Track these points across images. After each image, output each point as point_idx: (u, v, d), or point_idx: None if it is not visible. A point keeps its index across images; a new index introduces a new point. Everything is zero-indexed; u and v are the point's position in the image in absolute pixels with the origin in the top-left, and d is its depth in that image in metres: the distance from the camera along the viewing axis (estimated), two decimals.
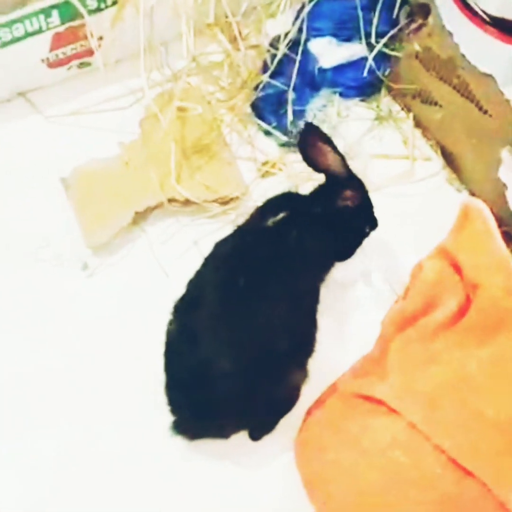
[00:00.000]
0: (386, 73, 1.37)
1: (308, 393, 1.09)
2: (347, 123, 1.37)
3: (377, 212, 1.23)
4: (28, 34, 1.22)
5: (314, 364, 1.09)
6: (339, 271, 1.13)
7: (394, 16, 1.33)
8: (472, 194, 1.31)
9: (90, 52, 1.30)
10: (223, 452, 1.09)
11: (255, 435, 1.08)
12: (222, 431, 1.06)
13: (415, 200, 1.30)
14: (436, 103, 1.31)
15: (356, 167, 1.25)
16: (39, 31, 1.22)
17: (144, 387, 1.08)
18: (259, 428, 1.08)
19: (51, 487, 1.08)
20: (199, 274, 1.06)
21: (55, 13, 1.21)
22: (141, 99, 1.32)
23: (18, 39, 1.21)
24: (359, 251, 1.19)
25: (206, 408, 1.00)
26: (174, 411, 1.03)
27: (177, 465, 1.09)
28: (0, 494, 1.07)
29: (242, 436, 1.08)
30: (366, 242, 1.21)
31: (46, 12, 1.20)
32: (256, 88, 1.33)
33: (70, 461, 1.09)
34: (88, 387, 1.13)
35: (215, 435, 1.06)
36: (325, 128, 1.31)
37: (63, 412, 1.12)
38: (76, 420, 1.12)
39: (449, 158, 1.34)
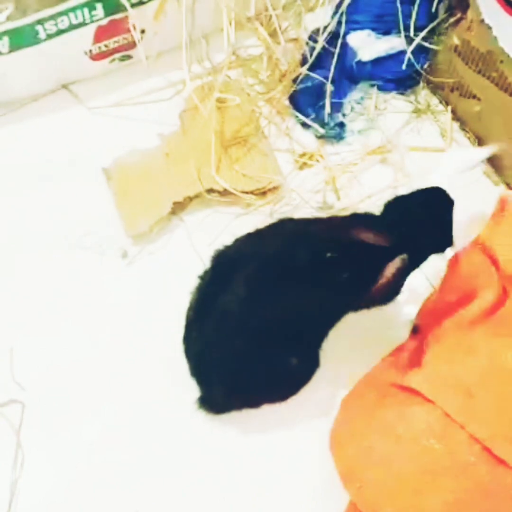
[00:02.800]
0: (425, 66, 1.37)
1: (343, 383, 1.10)
2: (385, 115, 1.38)
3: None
4: (72, 27, 1.23)
5: (350, 355, 1.11)
6: None
7: (433, 9, 1.33)
8: (509, 187, 1.31)
9: (132, 45, 1.31)
10: (255, 438, 1.12)
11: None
12: (248, 405, 1.10)
13: (452, 193, 1.23)
14: (474, 96, 1.30)
15: (394, 159, 1.31)
16: (83, 23, 1.24)
17: (184, 373, 1.09)
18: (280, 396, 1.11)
19: (88, 464, 1.11)
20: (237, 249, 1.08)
21: (99, 6, 1.22)
22: (182, 91, 1.35)
23: (62, 32, 1.23)
24: None
25: (232, 384, 1.04)
26: (201, 387, 1.07)
27: (207, 441, 1.12)
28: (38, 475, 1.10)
29: (276, 422, 1.11)
30: None
31: (90, 5, 1.21)
32: (294, 81, 1.34)
33: (110, 437, 1.12)
34: (127, 371, 1.16)
35: (242, 407, 1.10)
36: (363, 121, 1.36)
37: (101, 393, 1.14)
38: (116, 401, 1.14)
39: None
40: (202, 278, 1.07)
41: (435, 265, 1.13)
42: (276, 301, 1.02)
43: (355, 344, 1.14)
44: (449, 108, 1.37)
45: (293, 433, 1.12)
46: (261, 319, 1.02)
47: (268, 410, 1.11)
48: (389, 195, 1.23)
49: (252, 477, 1.10)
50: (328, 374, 1.13)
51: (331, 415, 1.05)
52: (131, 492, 1.09)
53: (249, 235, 1.09)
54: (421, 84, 1.39)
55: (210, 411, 1.09)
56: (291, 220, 1.13)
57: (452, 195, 1.22)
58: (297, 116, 1.36)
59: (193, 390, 1.08)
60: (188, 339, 1.07)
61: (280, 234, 1.09)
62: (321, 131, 1.34)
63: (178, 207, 1.26)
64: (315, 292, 1.02)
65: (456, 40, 1.29)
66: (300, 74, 1.33)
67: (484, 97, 1.28)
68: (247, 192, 1.26)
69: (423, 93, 1.39)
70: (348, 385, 1.09)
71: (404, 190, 1.24)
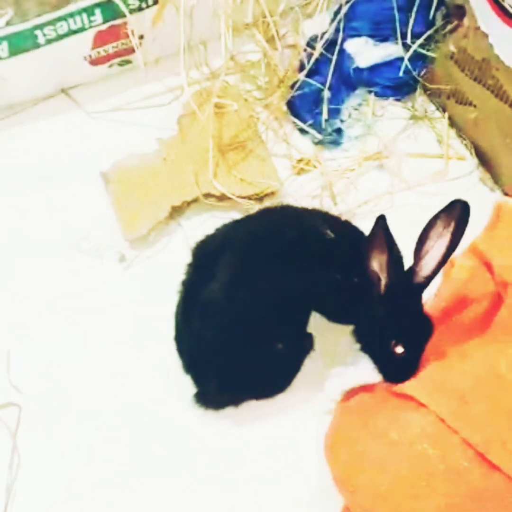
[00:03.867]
0: (422, 73, 1.38)
1: (338, 388, 1.10)
2: (382, 122, 1.39)
3: (411, 210, 1.26)
4: (71, 32, 1.24)
5: (345, 360, 1.12)
6: None
7: (430, 17, 1.34)
8: (505, 194, 1.32)
9: (131, 50, 1.32)
10: (252, 442, 1.12)
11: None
12: (242, 397, 1.11)
13: (448, 199, 1.17)
14: (470, 103, 1.31)
15: (391, 165, 1.31)
16: (82, 29, 1.25)
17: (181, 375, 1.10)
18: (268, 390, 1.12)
19: (84, 467, 1.11)
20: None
21: (98, 11, 1.23)
22: (180, 97, 1.36)
23: (62, 37, 1.24)
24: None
25: (223, 375, 1.05)
26: (195, 382, 1.08)
27: (205, 443, 1.12)
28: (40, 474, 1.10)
29: (271, 427, 1.11)
30: (400, 238, 1.18)
31: (89, 10, 1.22)
32: (292, 87, 1.35)
33: (106, 439, 1.13)
34: (124, 374, 1.16)
35: (237, 401, 1.11)
36: (360, 127, 1.36)
37: (99, 396, 1.15)
38: (113, 404, 1.14)
39: (483, 158, 1.34)
40: (185, 272, 1.09)
41: None
42: (258, 283, 1.02)
43: (351, 349, 1.12)
44: (446, 114, 1.38)
45: (288, 438, 1.12)
46: (244, 303, 1.02)
47: (264, 413, 1.12)
48: (385, 201, 1.28)
49: (247, 482, 1.10)
50: (323, 379, 1.15)
51: (326, 420, 1.05)
52: (128, 494, 1.09)
53: (228, 223, 1.10)
54: (418, 90, 1.40)
55: (207, 407, 1.09)
56: (275, 206, 1.15)
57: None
58: (294, 122, 1.37)
59: (190, 391, 1.09)
60: (178, 335, 1.08)
61: (263, 218, 1.11)
62: (319, 137, 1.35)
63: (176, 212, 1.27)
64: (299, 273, 1.02)
65: (452, 48, 1.30)
66: (298, 80, 1.34)
67: (480, 104, 1.29)
68: (244, 197, 1.26)
69: (420, 100, 1.40)
70: (343, 390, 1.09)
71: (401, 196, 1.29)
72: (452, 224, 0.97)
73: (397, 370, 1.01)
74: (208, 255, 1.08)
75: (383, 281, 0.98)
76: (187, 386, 1.09)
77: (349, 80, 1.37)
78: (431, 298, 1.12)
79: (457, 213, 0.97)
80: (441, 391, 0.97)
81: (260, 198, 1.28)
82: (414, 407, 0.96)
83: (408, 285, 0.99)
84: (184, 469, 1.11)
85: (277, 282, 1.02)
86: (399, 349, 0.99)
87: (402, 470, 0.94)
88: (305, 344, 1.10)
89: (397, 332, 1.00)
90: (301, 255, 1.03)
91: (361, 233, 1.08)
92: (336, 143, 1.36)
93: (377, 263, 0.98)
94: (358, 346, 1.06)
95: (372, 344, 1.04)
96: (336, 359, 1.15)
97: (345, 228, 1.10)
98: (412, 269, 0.99)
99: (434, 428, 0.94)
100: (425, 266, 0.98)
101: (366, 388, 1.07)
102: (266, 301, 1.02)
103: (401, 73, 1.35)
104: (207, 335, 1.04)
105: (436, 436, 0.93)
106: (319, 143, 1.36)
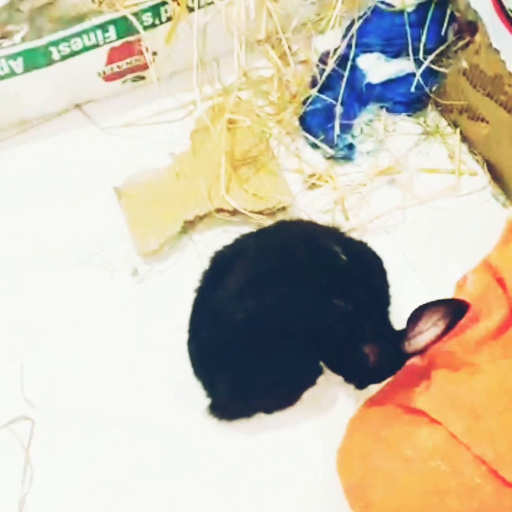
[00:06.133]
0: (433, 89, 1.38)
1: (351, 403, 1.12)
2: (394, 137, 1.39)
3: (423, 225, 1.29)
4: (85, 48, 1.25)
5: None
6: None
7: (442, 33, 1.34)
8: None
9: (145, 67, 1.33)
10: (261, 455, 1.12)
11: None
12: (252, 411, 1.11)
13: (460, 214, 1.30)
14: (482, 119, 1.31)
15: (403, 181, 1.31)
16: (96, 45, 1.26)
17: (194, 391, 1.11)
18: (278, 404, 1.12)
19: (97, 482, 1.11)
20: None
21: (111, 28, 1.24)
22: (193, 112, 1.36)
23: (76, 53, 1.25)
24: (406, 263, 1.22)
25: (240, 390, 1.05)
26: (206, 392, 1.09)
27: (216, 457, 1.12)
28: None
29: (282, 440, 1.12)
30: (412, 253, 1.23)
31: (103, 27, 1.23)
32: (304, 102, 1.36)
33: (119, 454, 1.13)
34: (136, 389, 1.16)
35: (249, 412, 1.11)
36: (372, 142, 1.36)
37: (111, 409, 1.15)
38: (125, 418, 1.15)
39: (495, 173, 1.34)
40: (200, 280, 1.09)
41: (443, 286, 1.14)
42: (264, 296, 1.02)
43: None
44: (458, 130, 1.37)
45: (300, 451, 1.12)
46: (248, 314, 1.02)
47: (275, 425, 1.12)
48: (397, 216, 1.29)
49: (257, 495, 1.10)
50: (337, 394, 1.15)
51: (338, 435, 1.06)
52: (141, 508, 1.09)
53: (247, 234, 1.11)
54: (430, 106, 1.40)
55: (221, 417, 1.10)
56: (292, 220, 1.16)
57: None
58: (306, 137, 1.36)
59: (202, 403, 1.09)
60: (189, 342, 1.09)
61: (278, 232, 1.12)
62: (330, 152, 1.35)
63: (188, 226, 1.27)
64: (306, 293, 1.02)
65: (464, 64, 1.29)
66: (310, 96, 1.34)
67: (492, 120, 1.29)
68: (256, 212, 1.26)
69: (431, 116, 1.40)
70: (356, 405, 1.10)
71: (413, 211, 1.30)
72: (448, 320, 0.99)
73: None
74: (222, 264, 1.09)
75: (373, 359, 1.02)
76: (199, 398, 1.09)
77: (361, 95, 1.37)
78: None
79: (455, 311, 1.00)
80: (453, 406, 0.97)
81: (272, 213, 1.28)
82: (426, 422, 0.97)
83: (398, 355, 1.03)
84: (196, 483, 1.11)
85: (282, 298, 1.02)
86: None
87: (415, 486, 0.94)
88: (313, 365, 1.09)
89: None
90: (311, 276, 1.03)
91: (376, 257, 1.09)
92: (348, 158, 1.36)
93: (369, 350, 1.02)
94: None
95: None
96: None
97: (358, 251, 1.10)
98: (403, 338, 1.01)
99: (446, 444, 0.95)
100: (414, 343, 1.01)
101: (377, 401, 1.07)
102: (270, 315, 1.02)
103: (412, 89, 1.35)
104: (214, 343, 1.05)
105: (448, 452, 0.94)
106: (331, 158, 1.36)
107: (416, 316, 1.00)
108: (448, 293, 1.13)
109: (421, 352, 1.02)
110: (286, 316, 1.02)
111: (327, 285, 1.03)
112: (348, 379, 1.08)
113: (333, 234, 1.12)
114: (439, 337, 0.99)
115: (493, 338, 1.05)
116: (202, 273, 1.11)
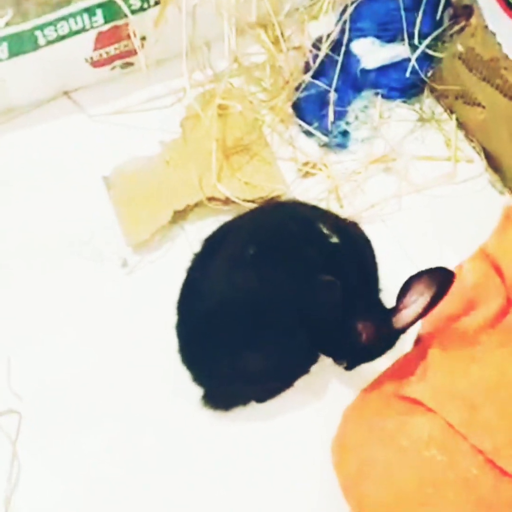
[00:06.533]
0: (429, 74, 1.35)
1: (346, 392, 1.09)
2: (389, 124, 1.37)
3: (419, 213, 1.28)
4: (72, 33, 1.23)
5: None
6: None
7: (438, 17, 1.33)
8: None
9: (133, 52, 1.31)
10: (256, 446, 1.11)
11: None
12: (248, 399, 1.10)
13: (457, 202, 1.29)
14: (479, 104, 1.28)
15: (398, 168, 1.31)
16: (83, 29, 1.23)
17: (186, 382, 1.09)
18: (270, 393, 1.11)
19: (85, 476, 1.09)
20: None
21: (99, 12, 1.22)
22: (183, 99, 1.33)
23: (62, 38, 1.23)
24: (401, 252, 1.21)
25: (231, 377, 1.04)
26: (200, 383, 1.07)
27: (209, 454, 1.11)
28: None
29: (277, 431, 1.10)
30: (408, 242, 1.22)
31: (90, 11, 1.21)
32: (297, 88, 1.33)
33: (109, 448, 1.11)
34: (126, 381, 1.15)
35: (244, 403, 1.10)
36: (366, 129, 1.35)
37: (101, 402, 1.13)
38: (115, 411, 1.13)
39: (492, 160, 1.32)
40: (191, 260, 1.09)
41: None
42: (258, 277, 1.01)
43: None
44: (454, 116, 1.35)
45: (294, 443, 1.11)
46: (234, 297, 1.01)
47: (269, 416, 1.11)
48: (393, 204, 1.27)
49: (252, 486, 1.08)
50: (331, 384, 1.14)
51: (333, 425, 1.04)
52: (131, 503, 1.08)
53: (238, 216, 1.10)
54: (425, 92, 1.38)
55: (214, 407, 1.09)
56: (283, 202, 1.17)
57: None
58: (300, 124, 1.34)
59: (195, 396, 1.08)
60: (177, 326, 1.08)
61: (269, 212, 1.11)
62: (324, 139, 1.33)
63: (179, 216, 1.25)
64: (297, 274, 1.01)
65: (460, 48, 1.27)
66: (303, 82, 1.31)
67: (488, 105, 1.27)
68: (249, 201, 1.24)
69: (427, 102, 1.38)
70: (351, 395, 1.07)
71: (408, 199, 1.28)
72: (433, 289, 0.97)
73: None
74: (212, 245, 1.08)
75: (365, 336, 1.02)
76: (192, 390, 1.08)
77: (355, 81, 1.35)
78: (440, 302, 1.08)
79: (439, 280, 0.98)
80: (449, 396, 0.95)
81: (265, 202, 1.26)
82: (421, 411, 0.95)
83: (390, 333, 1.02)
84: (188, 477, 1.09)
85: (271, 279, 1.01)
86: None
87: (410, 477, 0.92)
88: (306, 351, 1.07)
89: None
90: (301, 256, 1.02)
91: (365, 237, 1.09)
92: (342, 145, 1.34)
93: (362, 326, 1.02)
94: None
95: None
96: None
97: (348, 231, 1.09)
98: (394, 314, 1.00)
99: (442, 434, 0.93)
100: (404, 317, 1.00)
101: (372, 390, 1.06)
102: (258, 297, 1.01)
103: (408, 74, 1.32)
104: (201, 328, 1.04)
105: (445, 442, 0.92)
106: (325, 145, 1.34)
107: (404, 289, 0.99)
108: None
109: (410, 325, 1.01)
110: (275, 298, 1.00)
111: (318, 264, 1.02)
112: (338, 358, 1.07)
113: (323, 215, 1.11)
114: (426, 309, 0.98)
115: (490, 327, 1.03)
116: (194, 254, 1.10)
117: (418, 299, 0.98)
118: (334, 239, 1.04)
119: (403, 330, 1.01)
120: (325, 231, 1.04)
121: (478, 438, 0.91)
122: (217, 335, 1.02)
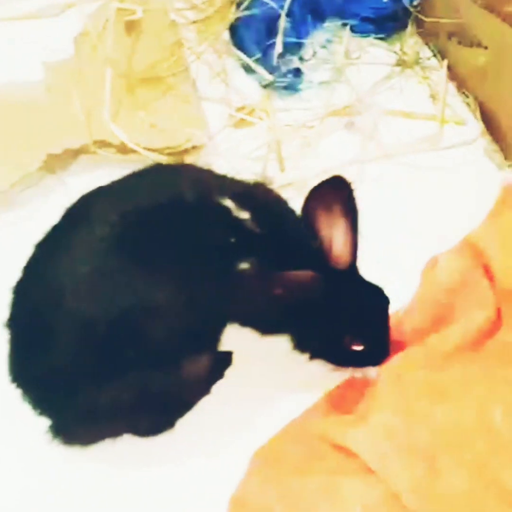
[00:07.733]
0: (415, 2, 1.23)
1: (255, 429, 0.91)
2: (358, 67, 1.23)
3: (388, 186, 1.13)
4: None
5: (273, 389, 0.93)
6: None
7: None
8: None
9: None
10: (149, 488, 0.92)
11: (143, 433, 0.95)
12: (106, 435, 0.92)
13: (440, 175, 1.14)
14: (479, 44, 1.14)
15: (364, 125, 1.19)
16: None
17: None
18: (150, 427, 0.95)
19: None
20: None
21: None
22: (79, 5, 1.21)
23: None
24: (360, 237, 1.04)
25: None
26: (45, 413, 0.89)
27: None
28: None
29: (162, 475, 0.91)
30: (370, 224, 1.01)
31: None
32: (238, 6, 1.20)
33: None
34: None
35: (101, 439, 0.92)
36: (327, 70, 1.21)
37: None
38: None
39: (491, 122, 1.17)
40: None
41: (408, 270, 0.99)
42: (128, 282, 0.81)
43: (282, 376, 0.95)
44: (445, 62, 1.20)
45: (182, 497, 0.90)
46: (106, 307, 0.81)
47: (151, 454, 0.92)
48: (353, 171, 1.11)
49: None
50: (238, 415, 0.94)
51: (236, 474, 0.87)
52: None
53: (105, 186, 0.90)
54: (409, 27, 1.25)
55: (69, 442, 0.90)
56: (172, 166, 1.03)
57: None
58: (238, 56, 1.21)
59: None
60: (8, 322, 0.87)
61: (152, 183, 0.91)
62: (269, 78, 1.18)
63: (55, 163, 1.09)
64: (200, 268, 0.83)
65: None
66: None
67: (492, 44, 1.12)
68: (154, 150, 1.08)
69: (410, 41, 1.25)
70: (265, 432, 0.90)
71: (374, 166, 1.15)
72: (338, 207, 0.88)
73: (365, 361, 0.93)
74: (71, 219, 0.86)
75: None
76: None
77: (317, 6, 1.21)
78: (403, 310, 0.97)
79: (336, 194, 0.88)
80: (401, 449, 0.79)
81: (176, 153, 1.10)
82: (356, 470, 0.79)
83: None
84: None
85: (159, 282, 0.82)
86: (357, 347, 0.90)
87: None
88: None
89: (348, 325, 0.91)
90: (201, 243, 0.84)
91: (292, 212, 0.93)
92: (292, 88, 1.20)
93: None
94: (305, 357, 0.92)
95: (323, 347, 0.92)
96: (258, 388, 0.95)
97: (268, 207, 0.93)
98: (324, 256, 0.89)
99: (382, 507, 0.77)
100: (339, 255, 0.89)
101: (296, 429, 0.88)
102: (136, 306, 0.81)
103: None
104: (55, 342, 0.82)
105: None
106: (268, 86, 1.19)
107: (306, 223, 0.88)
108: (413, 281, 0.98)
109: (354, 254, 0.89)
110: (152, 297, 0.81)
111: (225, 251, 0.85)
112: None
113: (229, 183, 0.94)
114: (352, 222, 0.88)
115: (471, 348, 0.89)
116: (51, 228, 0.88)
117: (332, 221, 0.88)
118: (244, 215, 0.88)
119: (354, 265, 0.89)
120: (231, 205, 0.88)
121: None
122: (62, 347, 0.83)
